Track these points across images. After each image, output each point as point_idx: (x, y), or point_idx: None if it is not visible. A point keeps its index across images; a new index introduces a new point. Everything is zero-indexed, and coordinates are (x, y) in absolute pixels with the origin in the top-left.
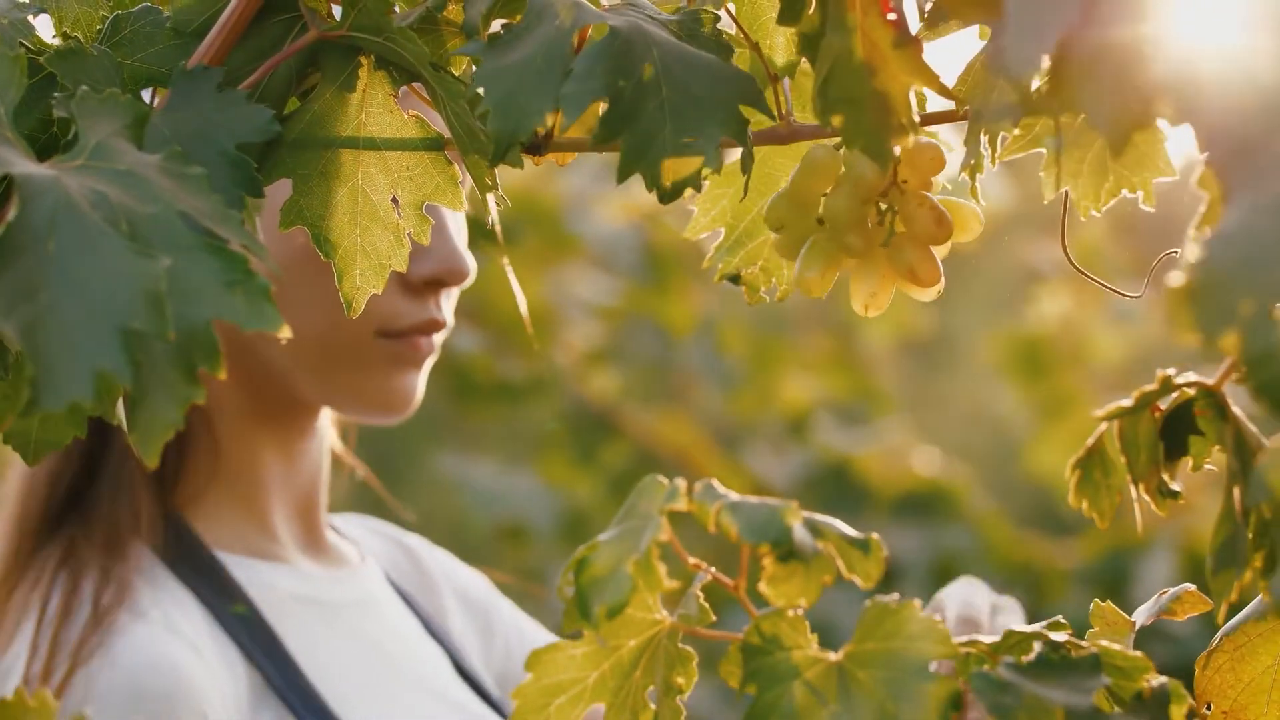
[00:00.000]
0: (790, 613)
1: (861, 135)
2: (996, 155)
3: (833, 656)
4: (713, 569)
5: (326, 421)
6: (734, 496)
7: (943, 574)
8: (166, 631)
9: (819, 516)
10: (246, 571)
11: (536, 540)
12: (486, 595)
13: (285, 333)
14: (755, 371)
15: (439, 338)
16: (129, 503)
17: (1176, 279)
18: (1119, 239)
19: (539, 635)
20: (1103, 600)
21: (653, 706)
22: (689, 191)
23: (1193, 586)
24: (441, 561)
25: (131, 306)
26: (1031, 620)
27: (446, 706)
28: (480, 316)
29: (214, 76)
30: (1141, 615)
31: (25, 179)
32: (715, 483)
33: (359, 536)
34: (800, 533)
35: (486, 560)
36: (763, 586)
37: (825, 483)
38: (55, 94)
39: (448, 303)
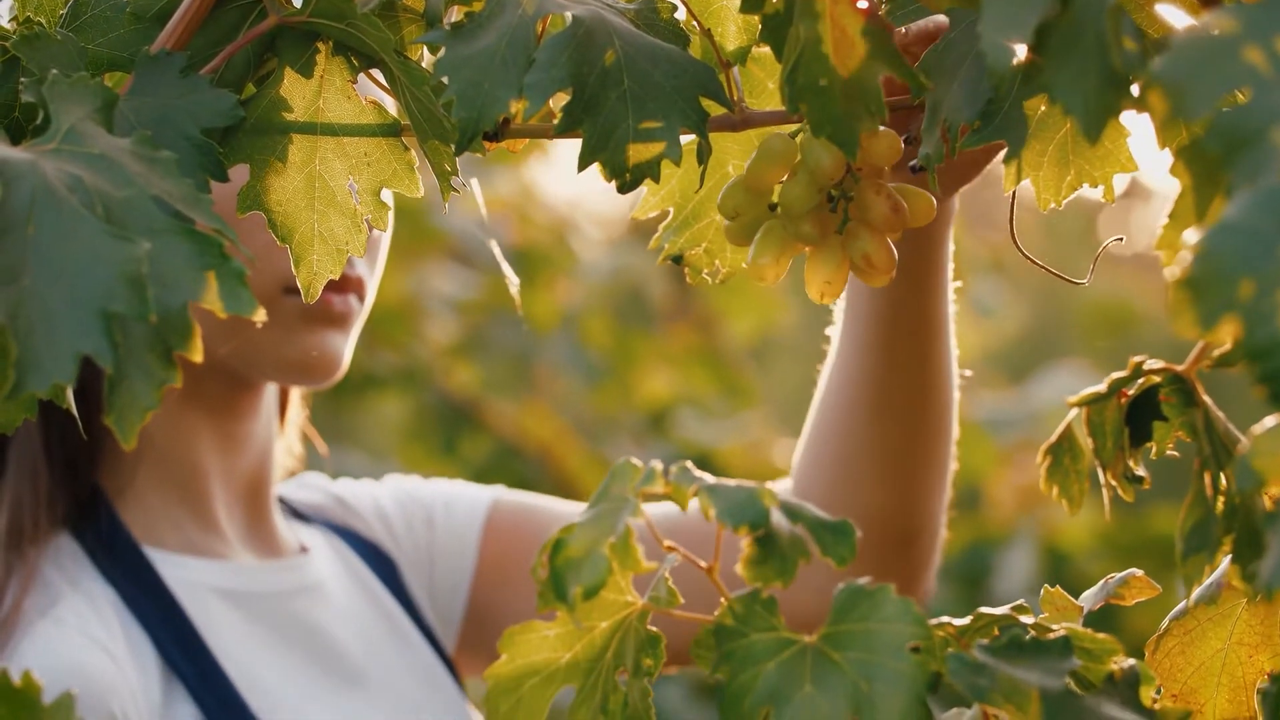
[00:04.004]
0: (764, 595)
1: (829, 123)
2: (956, 145)
3: (807, 638)
4: (684, 550)
5: (273, 410)
6: (710, 479)
7: None
8: (76, 633)
9: (793, 499)
10: (173, 568)
11: None
12: (399, 504)
13: (260, 316)
14: (618, 365)
15: (358, 302)
16: (32, 494)
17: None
18: (973, 232)
19: (458, 495)
20: (963, 592)
21: (623, 688)
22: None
23: (1140, 572)
24: (362, 496)
25: (111, 289)
26: None
27: (381, 693)
28: None
29: (177, 62)
30: (1089, 600)
31: (3, 163)
32: (690, 465)
33: (300, 497)
34: (777, 516)
35: None
36: (739, 568)
37: None
38: (22, 79)
39: (363, 262)
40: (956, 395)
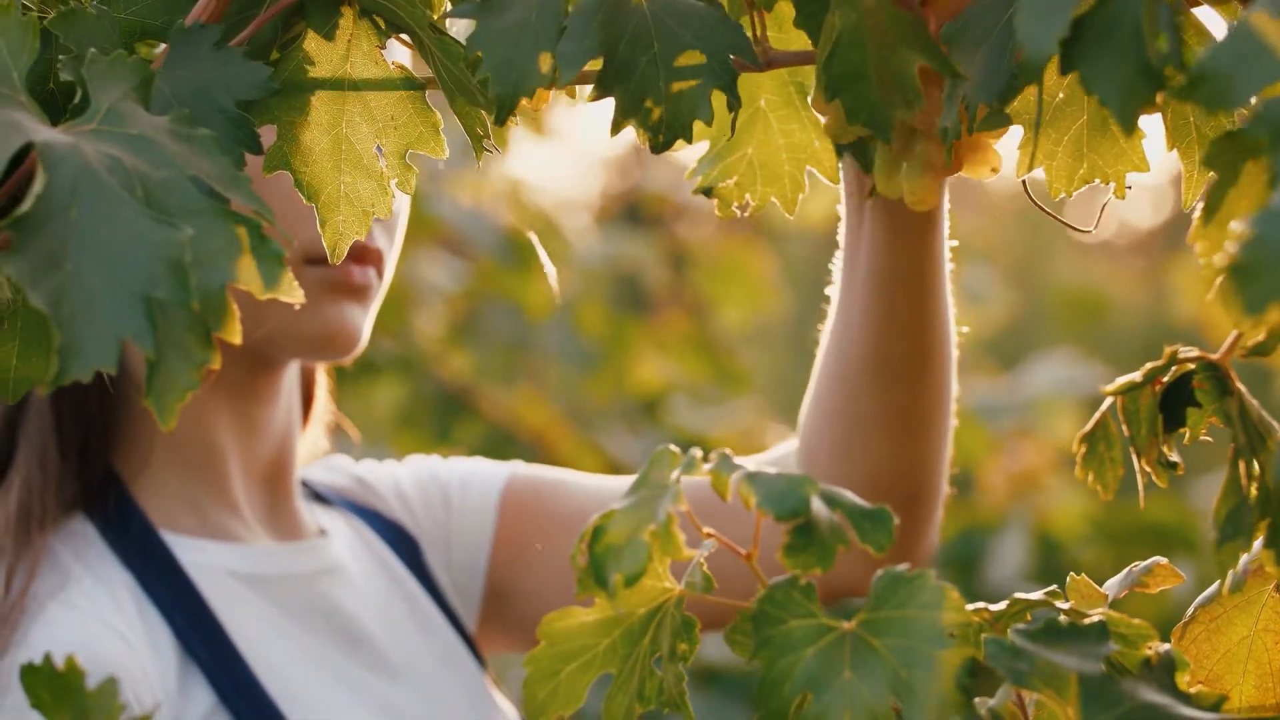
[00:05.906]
0: (803, 581)
1: (864, 111)
2: (973, 126)
3: (846, 625)
4: (722, 537)
5: (294, 396)
6: (751, 466)
7: None
8: (89, 617)
9: (831, 487)
10: (190, 552)
11: None
12: (419, 484)
13: (299, 297)
14: (611, 352)
15: (376, 277)
16: (42, 477)
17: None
18: (956, 217)
19: (474, 476)
20: (955, 578)
21: (659, 673)
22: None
23: (1164, 560)
24: (382, 477)
25: (153, 274)
26: None
27: (403, 673)
28: None
29: (211, 34)
30: (1114, 588)
31: (47, 146)
32: (729, 452)
33: (323, 480)
34: (816, 503)
35: None
36: (778, 555)
37: None
38: (60, 56)
39: (383, 235)
40: (955, 353)
